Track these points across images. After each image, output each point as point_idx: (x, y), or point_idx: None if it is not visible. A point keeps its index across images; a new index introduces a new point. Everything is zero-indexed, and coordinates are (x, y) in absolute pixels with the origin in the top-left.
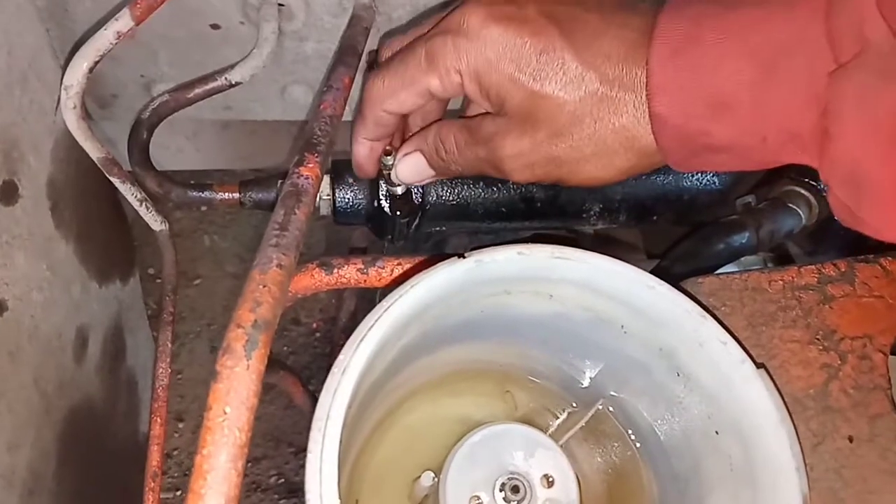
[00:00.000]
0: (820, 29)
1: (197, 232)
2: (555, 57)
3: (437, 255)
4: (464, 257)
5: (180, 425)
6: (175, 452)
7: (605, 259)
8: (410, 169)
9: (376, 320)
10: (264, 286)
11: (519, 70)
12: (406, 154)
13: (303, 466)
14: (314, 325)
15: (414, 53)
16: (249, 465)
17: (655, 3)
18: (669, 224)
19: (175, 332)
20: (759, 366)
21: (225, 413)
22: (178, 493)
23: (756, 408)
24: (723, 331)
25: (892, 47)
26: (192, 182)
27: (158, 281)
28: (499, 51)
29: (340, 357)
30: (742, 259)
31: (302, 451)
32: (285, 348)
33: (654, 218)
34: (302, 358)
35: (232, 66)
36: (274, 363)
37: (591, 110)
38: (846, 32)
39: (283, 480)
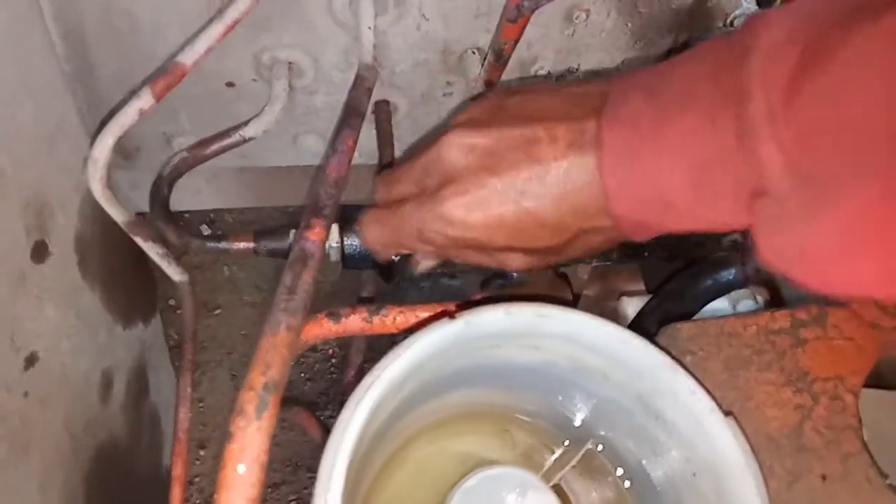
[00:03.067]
0: (737, 153)
1: (216, 263)
2: (532, 220)
3: (433, 312)
4: (454, 318)
5: (202, 452)
6: (197, 479)
7: (584, 315)
8: (425, 268)
9: (374, 380)
10: (274, 348)
11: (509, 240)
12: (424, 262)
13: None
14: (330, 352)
15: (406, 226)
16: (269, 490)
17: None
18: (661, 260)
19: (196, 361)
20: (727, 413)
21: (238, 471)
22: None
23: (725, 453)
24: (693, 381)
25: (785, 188)
26: (209, 234)
27: (179, 312)
28: (484, 231)
29: (343, 414)
30: (732, 294)
31: None
32: (302, 375)
33: (646, 254)
34: (319, 384)
35: (246, 123)
36: (287, 400)
37: (574, 238)
38: (753, 165)
39: None
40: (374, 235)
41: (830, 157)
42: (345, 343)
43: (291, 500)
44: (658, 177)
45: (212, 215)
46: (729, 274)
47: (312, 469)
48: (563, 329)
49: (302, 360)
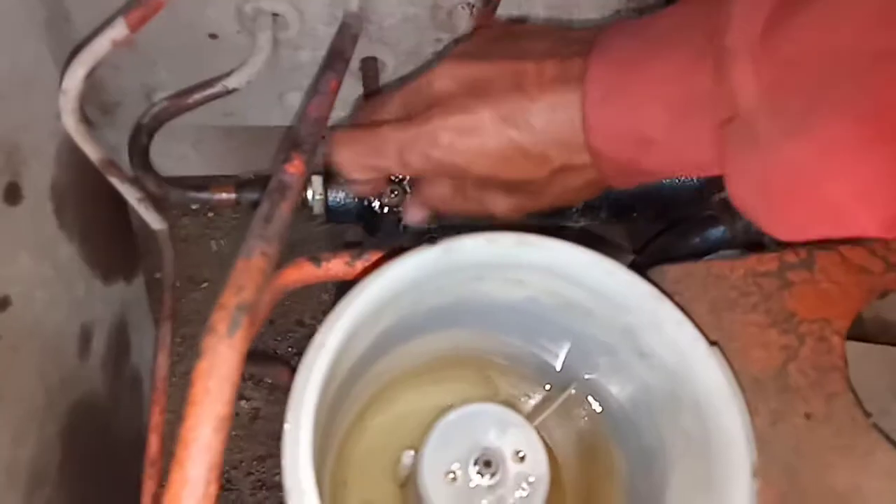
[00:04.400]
0: (713, 84)
1: (203, 237)
2: (515, 149)
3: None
4: (434, 244)
5: None
6: None
7: (568, 245)
8: (417, 219)
9: (350, 303)
10: (247, 272)
11: (491, 169)
12: (413, 210)
13: None
14: (317, 327)
15: (387, 144)
16: (255, 463)
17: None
18: (649, 221)
19: (179, 336)
20: (712, 343)
21: (208, 388)
22: None
23: (709, 384)
24: (678, 311)
25: (757, 113)
26: (189, 184)
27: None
28: (467, 157)
29: (317, 336)
30: (720, 252)
31: None
32: (290, 349)
33: (634, 214)
34: None
35: (229, 74)
36: (272, 359)
37: (555, 174)
38: (726, 94)
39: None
40: (348, 153)
41: (809, 86)
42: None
43: (276, 473)
44: (638, 111)
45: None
46: (717, 232)
47: None
48: (546, 259)
49: (290, 334)
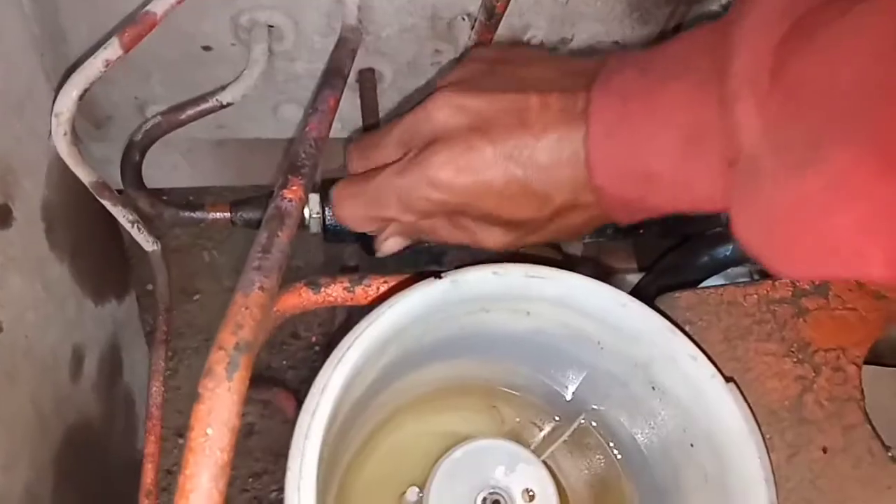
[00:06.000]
0: (718, 120)
1: (195, 247)
2: (519, 188)
3: (418, 274)
4: (440, 277)
5: (180, 441)
6: (175, 468)
7: (578, 277)
8: (392, 248)
9: (354, 341)
10: (246, 308)
11: (494, 208)
12: (386, 239)
13: None
14: (313, 339)
15: (387, 193)
16: (251, 480)
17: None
18: (657, 237)
19: (171, 349)
20: (728, 380)
21: (207, 434)
22: None
23: (726, 421)
24: (693, 346)
25: (760, 150)
26: (183, 202)
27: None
28: (470, 196)
29: (319, 377)
30: (729, 271)
31: None
32: (284, 363)
33: (641, 231)
34: (301, 372)
35: (223, 88)
36: (268, 380)
37: (557, 213)
38: (730, 131)
39: (283, 495)
40: (351, 209)
41: (814, 121)
42: (328, 331)
43: (273, 490)
44: (643, 147)
45: (191, 196)
46: (726, 250)
47: None
48: (555, 291)
49: (284, 346)
